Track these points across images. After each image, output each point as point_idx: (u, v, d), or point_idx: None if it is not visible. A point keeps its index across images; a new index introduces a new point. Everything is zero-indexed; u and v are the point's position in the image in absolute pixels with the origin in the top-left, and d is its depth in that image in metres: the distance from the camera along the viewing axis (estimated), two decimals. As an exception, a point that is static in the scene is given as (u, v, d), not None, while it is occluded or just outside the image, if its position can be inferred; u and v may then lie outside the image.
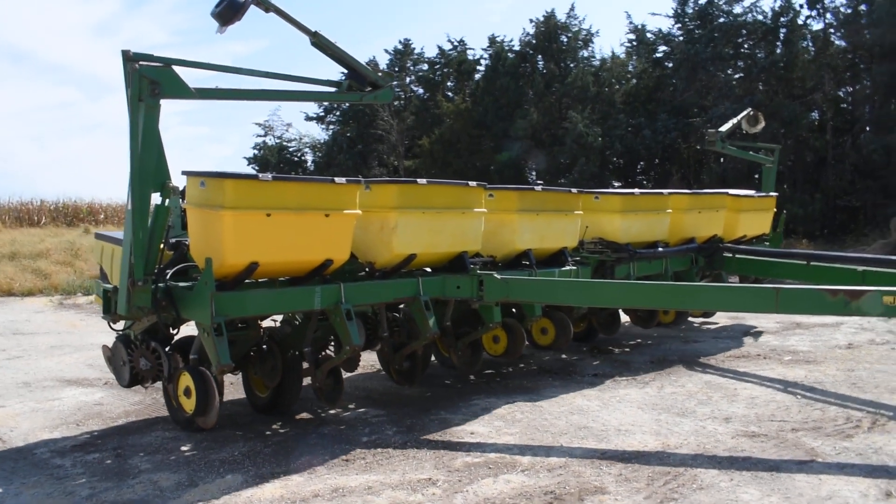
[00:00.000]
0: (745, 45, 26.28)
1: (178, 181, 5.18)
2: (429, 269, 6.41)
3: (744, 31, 26.00)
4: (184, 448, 5.07)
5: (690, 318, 10.12)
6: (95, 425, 5.76)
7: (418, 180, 6.02)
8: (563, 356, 7.92)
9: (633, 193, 8.52)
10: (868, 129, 23.46)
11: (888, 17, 22.43)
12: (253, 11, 5.39)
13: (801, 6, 25.17)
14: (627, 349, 8.31)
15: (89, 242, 20.74)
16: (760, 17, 25.89)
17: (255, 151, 39.18)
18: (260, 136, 39.55)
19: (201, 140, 73.10)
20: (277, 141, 39.45)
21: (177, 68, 4.97)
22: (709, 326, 9.77)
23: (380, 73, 5.94)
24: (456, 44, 35.53)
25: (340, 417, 5.78)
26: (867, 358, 7.44)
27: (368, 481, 4.30)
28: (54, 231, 25.42)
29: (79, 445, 5.24)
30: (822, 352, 7.83)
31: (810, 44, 25.62)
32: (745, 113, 11.78)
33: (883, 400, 5.80)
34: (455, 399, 6.23)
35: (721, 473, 4.26)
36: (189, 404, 5.21)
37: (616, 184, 28.01)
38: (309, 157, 39.27)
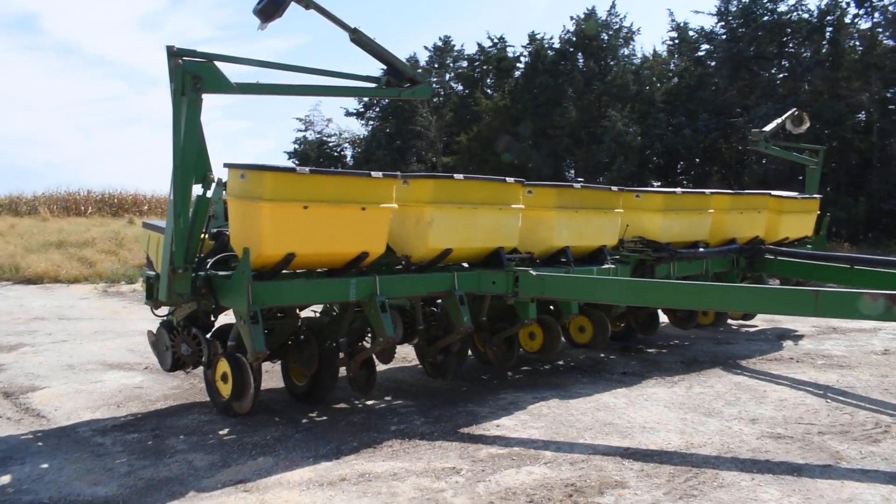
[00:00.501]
0: (790, 44, 25.89)
1: (220, 173, 5.35)
2: (465, 265, 6.48)
3: (788, 30, 25.63)
4: (219, 431, 5.25)
5: (729, 321, 10.01)
6: (135, 407, 5.97)
7: (455, 175, 6.09)
8: (602, 355, 7.93)
9: (674, 192, 8.48)
10: (916, 131, 22.97)
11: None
12: (294, 8, 5.52)
13: (849, 4, 24.76)
14: (660, 349, 8.31)
15: (133, 232, 21.25)
16: (806, 16, 25.50)
17: (296, 146, 39.74)
18: (300, 130, 40.11)
19: (242, 134, 74.26)
20: (317, 136, 39.93)
21: (219, 63, 5.12)
22: (747, 329, 9.68)
23: (419, 70, 6.04)
24: (496, 41, 35.56)
25: (370, 407, 5.91)
26: (903, 364, 7.35)
27: (394, 468, 4.42)
28: (100, 221, 26.13)
29: (119, 426, 5.45)
30: (857, 357, 7.75)
31: (857, 43, 25.12)
32: (789, 113, 11.62)
33: (915, 406, 5.76)
34: (483, 393, 6.32)
35: (743, 473, 4.29)
36: (226, 389, 5.38)
37: (655, 183, 27.82)
38: (348, 153, 39.70)
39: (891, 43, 24.53)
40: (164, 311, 5.96)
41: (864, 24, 25.00)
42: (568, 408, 5.76)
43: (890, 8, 24.17)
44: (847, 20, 24.85)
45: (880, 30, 24.66)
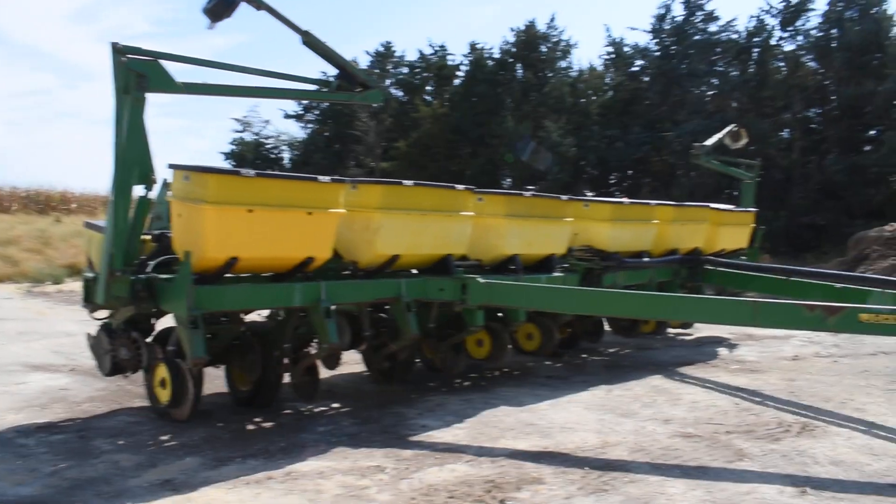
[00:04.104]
0: (719, 63, 26.90)
1: (164, 174, 5.32)
2: (414, 271, 6.51)
3: (718, 49, 26.63)
4: (146, 432, 5.26)
5: (668, 329, 10.27)
6: (60, 409, 5.92)
7: (404, 182, 6.07)
8: (548, 362, 8.14)
9: (622, 202, 8.70)
10: (834, 150, 24.10)
11: (856, 42, 23.11)
12: (242, 7, 5.52)
13: (774, 27, 25.86)
14: (587, 355, 8.59)
15: (61, 230, 20.71)
16: (734, 36, 26.55)
17: (233, 147, 39.16)
18: (238, 131, 39.53)
19: (179, 132, 72.77)
20: (255, 137, 39.46)
21: (164, 61, 5.08)
22: (683, 337, 10.03)
23: (372, 76, 6.10)
24: (437, 49, 35.80)
25: (300, 409, 5.99)
26: (810, 369, 7.78)
27: (320, 467, 4.52)
28: (25, 218, 25.31)
29: (43, 427, 5.40)
30: (769, 362, 8.17)
31: (782, 64, 26.28)
32: (728, 129, 12.11)
33: (816, 407, 6.13)
34: (412, 395, 6.46)
35: (653, 469, 4.54)
36: (164, 395, 5.34)
37: (589, 193, 28.44)
38: (286, 155, 39.34)
39: (813, 65, 25.72)
40: (102, 314, 5.87)
41: (789, 47, 26.18)
42: (492, 410, 5.95)
43: (812, 32, 25.35)
44: (773, 42, 25.97)
45: (803, 52, 25.83)
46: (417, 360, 7.23)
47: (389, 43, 37.35)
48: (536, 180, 27.15)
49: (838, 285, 7.77)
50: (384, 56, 37.27)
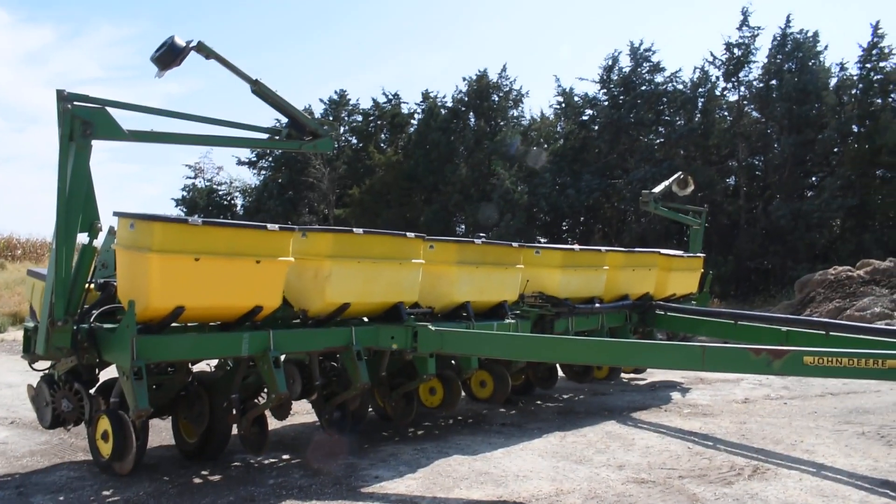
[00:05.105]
0: (666, 113, 27.68)
1: (110, 221, 5.22)
2: (365, 319, 6.44)
3: (664, 99, 27.41)
4: (88, 487, 5.07)
5: (622, 374, 10.30)
6: (-3, 465, 5.68)
7: (355, 230, 6.05)
8: (502, 409, 8.09)
9: (572, 249, 8.78)
10: (778, 196, 24.83)
11: (795, 93, 24.04)
12: (192, 54, 5.52)
13: (718, 78, 26.76)
14: (542, 402, 8.58)
15: (4, 278, 20.11)
16: (680, 87, 27.38)
17: (184, 193, 38.77)
18: (190, 177, 39.21)
19: (130, 178, 71.37)
20: (207, 183, 39.15)
21: (111, 109, 5.01)
22: (637, 382, 10.07)
23: (325, 126, 6.10)
24: (391, 97, 36.17)
25: (249, 461, 5.84)
26: (760, 411, 7.88)
27: (270, 521, 4.40)
28: (-34, 267, 24.54)
29: (-22, 484, 5.17)
30: (720, 405, 8.25)
31: (726, 114, 27.16)
32: (676, 176, 12.39)
33: (767, 449, 6.20)
34: (364, 445, 6.36)
35: (607, 516, 4.52)
36: (106, 448, 5.18)
37: (542, 240, 28.75)
38: (239, 202, 39.08)
39: (756, 115, 26.64)
40: (43, 364, 5.68)
41: (732, 97, 27.09)
42: (446, 458, 5.88)
43: (754, 83, 26.29)
44: (717, 93, 26.86)
45: (746, 102, 26.76)
46: (370, 409, 7.14)
47: (344, 91, 37.68)
48: (490, 227, 27.38)
49: (784, 329, 7.92)
50: (338, 104, 37.52)
